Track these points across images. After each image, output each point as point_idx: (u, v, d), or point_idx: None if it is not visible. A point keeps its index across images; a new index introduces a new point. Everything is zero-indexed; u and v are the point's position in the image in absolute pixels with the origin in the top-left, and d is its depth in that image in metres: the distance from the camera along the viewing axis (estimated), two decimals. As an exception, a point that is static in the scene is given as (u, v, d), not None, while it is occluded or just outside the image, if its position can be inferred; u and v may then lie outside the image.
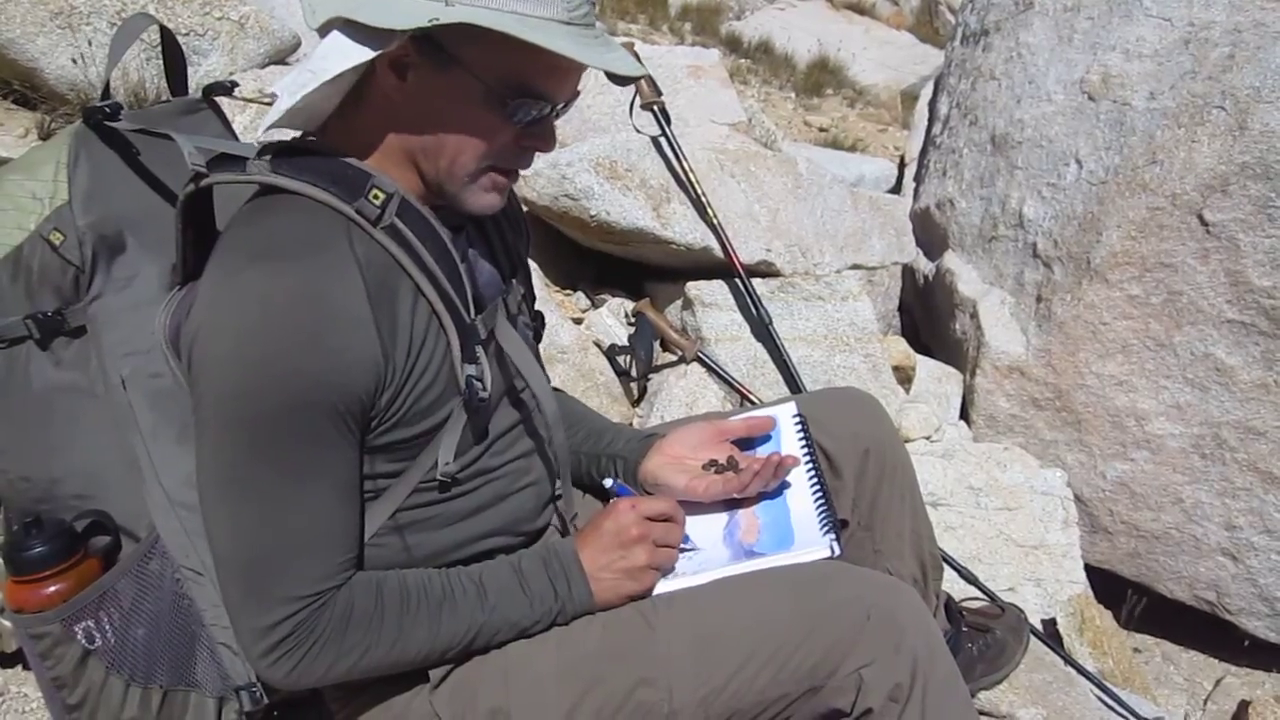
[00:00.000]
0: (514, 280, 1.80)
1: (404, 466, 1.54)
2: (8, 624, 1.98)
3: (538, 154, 1.55)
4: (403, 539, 1.58)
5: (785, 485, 1.82)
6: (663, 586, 1.64)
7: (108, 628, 1.60)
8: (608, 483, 1.88)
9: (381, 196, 1.47)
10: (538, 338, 1.93)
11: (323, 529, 1.43)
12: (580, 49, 1.39)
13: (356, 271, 1.42)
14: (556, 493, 1.80)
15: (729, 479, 1.80)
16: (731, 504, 1.82)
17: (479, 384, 1.52)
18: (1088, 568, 3.73)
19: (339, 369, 1.37)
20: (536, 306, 1.93)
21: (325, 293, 1.38)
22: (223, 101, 1.91)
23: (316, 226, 1.44)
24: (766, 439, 1.94)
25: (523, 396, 1.70)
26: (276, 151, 1.50)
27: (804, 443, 1.88)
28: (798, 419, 1.93)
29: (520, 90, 1.44)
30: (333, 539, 1.44)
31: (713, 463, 1.85)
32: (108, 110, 1.67)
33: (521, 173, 1.61)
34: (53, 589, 1.55)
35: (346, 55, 1.43)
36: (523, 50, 1.38)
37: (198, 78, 3.48)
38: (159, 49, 1.92)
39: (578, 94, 1.55)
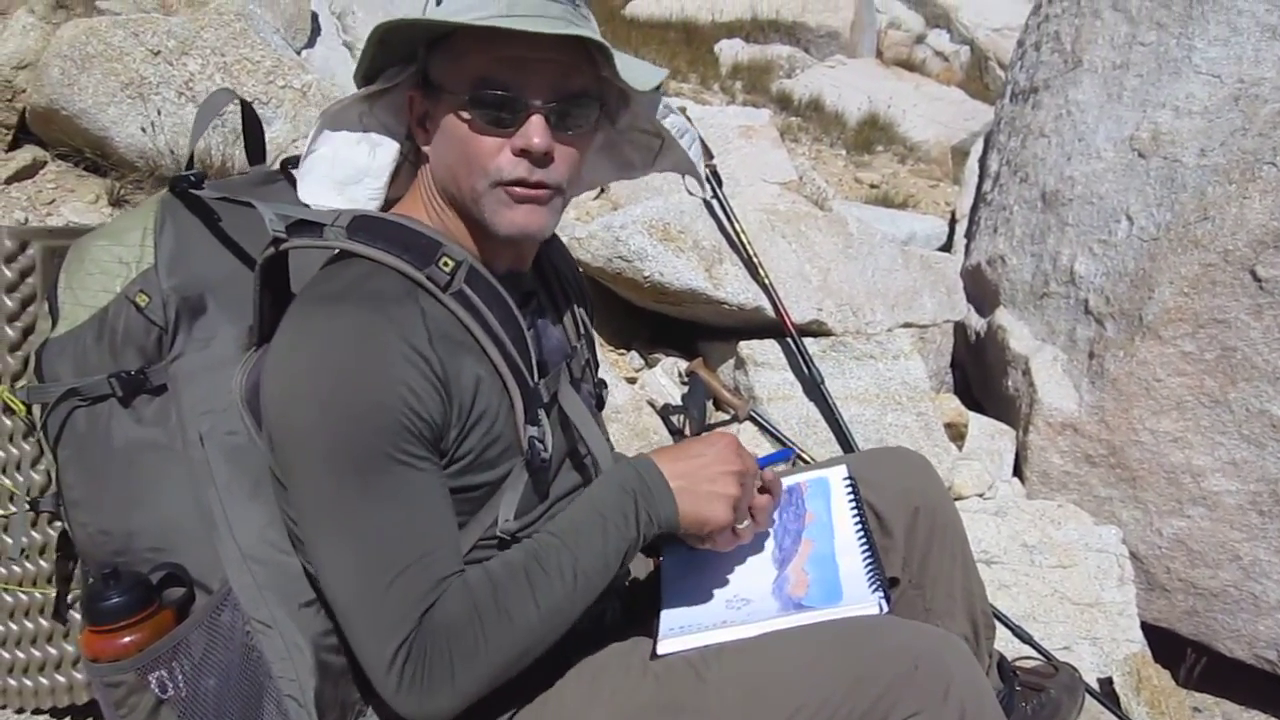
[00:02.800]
0: (579, 346, 1.86)
1: (464, 520, 1.57)
2: (81, 676, 2.03)
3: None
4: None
5: (832, 543, 1.84)
6: (713, 637, 1.66)
7: (180, 678, 1.63)
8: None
9: (451, 264, 1.54)
10: (600, 404, 1.97)
11: (419, 548, 1.45)
12: (508, 21, 1.45)
13: (421, 322, 1.49)
14: None
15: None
16: (781, 560, 1.84)
17: (540, 445, 1.57)
18: (1145, 626, 3.69)
19: (406, 394, 1.44)
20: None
21: (389, 331, 1.46)
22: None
23: (387, 284, 1.51)
24: (815, 496, 1.96)
25: (585, 460, 1.74)
26: (352, 219, 1.58)
27: (854, 504, 1.90)
28: (848, 482, 1.95)
29: (479, 85, 1.51)
30: (430, 556, 1.46)
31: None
32: (192, 179, 1.75)
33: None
34: (128, 639, 1.58)
35: (350, 107, 1.68)
36: (475, 50, 1.50)
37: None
38: (225, 119, 2.00)
39: (578, 96, 1.57)
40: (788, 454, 1.91)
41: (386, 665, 1.42)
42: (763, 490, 1.77)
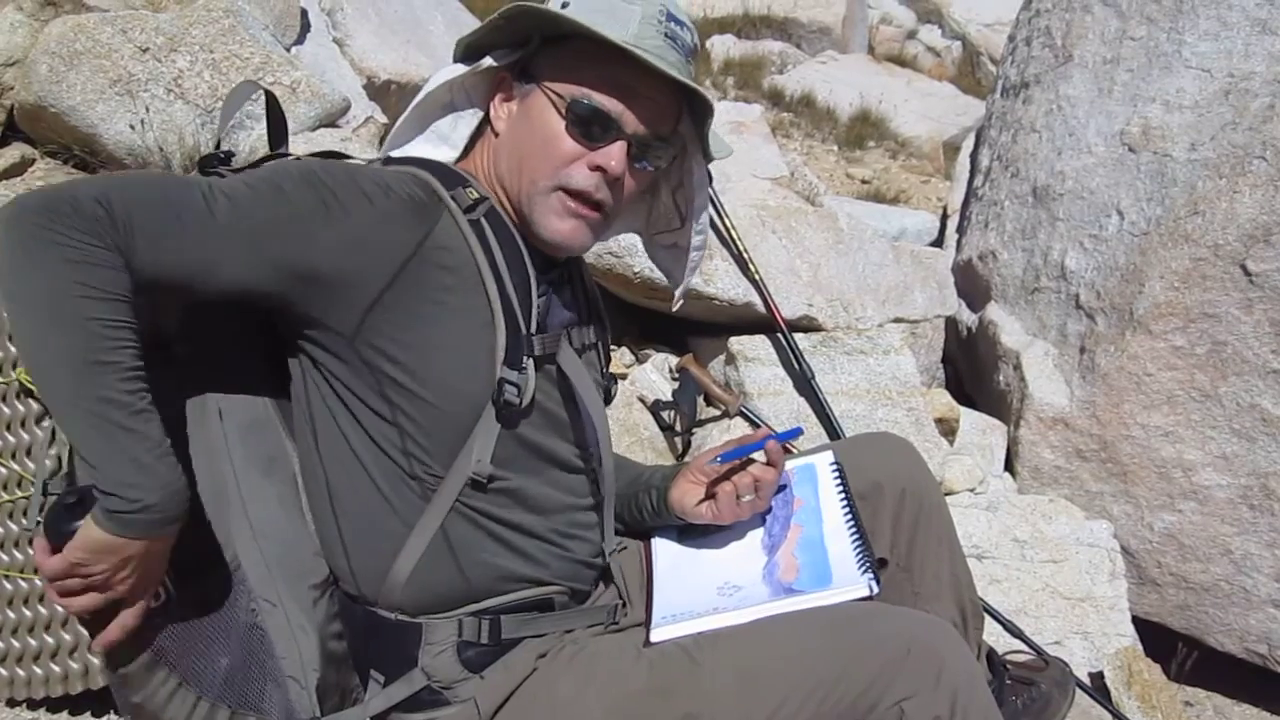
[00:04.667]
0: (589, 327, 1.90)
1: (439, 449, 1.61)
2: (97, 660, 2.02)
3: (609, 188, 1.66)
4: (454, 558, 1.62)
5: (821, 527, 1.85)
6: (706, 624, 1.66)
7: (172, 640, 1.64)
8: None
9: (476, 195, 1.63)
10: (608, 399, 2.00)
11: (170, 198, 1.40)
12: (638, 52, 1.55)
13: (433, 215, 1.57)
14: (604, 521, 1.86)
15: (726, 495, 1.85)
16: (771, 546, 1.85)
17: (513, 389, 1.59)
18: (1136, 620, 3.70)
19: (363, 212, 1.50)
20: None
21: (392, 190, 1.55)
22: None
23: (420, 183, 1.61)
24: (802, 482, 1.97)
25: (582, 424, 1.77)
26: (388, 158, 1.71)
27: (840, 488, 1.92)
28: (834, 466, 1.97)
29: (585, 99, 1.60)
30: (170, 214, 1.39)
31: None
32: (222, 156, 1.78)
33: None
34: None
35: (450, 71, 1.72)
36: (591, 64, 1.59)
37: (251, 141, 3.57)
38: (213, 115, 2.00)
39: (663, 139, 1.69)
40: (798, 431, 1.92)
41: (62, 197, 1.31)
42: (768, 465, 1.81)
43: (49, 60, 3.51)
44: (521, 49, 1.70)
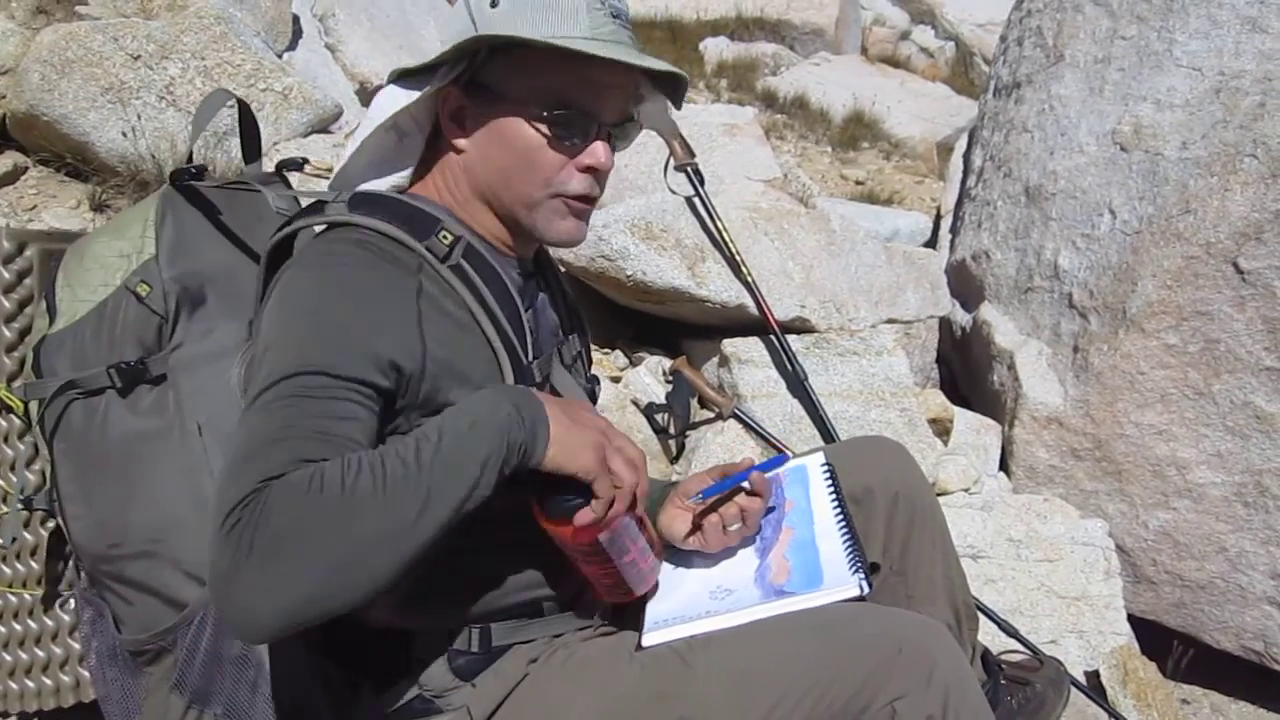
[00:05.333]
0: (573, 335, 1.89)
1: None
2: (68, 678, 2.03)
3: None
4: (445, 570, 1.60)
5: (813, 528, 1.85)
6: (698, 627, 1.66)
7: (181, 655, 1.67)
8: None
9: (450, 238, 1.59)
10: (593, 399, 1.99)
11: (305, 430, 1.33)
12: (602, 48, 1.51)
13: (414, 279, 1.53)
14: None
15: (713, 526, 1.83)
16: (762, 549, 1.85)
17: None
18: (1132, 619, 3.71)
19: (377, 332, 1.45)
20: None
21: (377, 281, 1.49)
22: (293, 176, 2.02)
23: (386, 245, 1.55)
24: (793, 484, 1.97)
25: None
26: (353, 195, 1.63)
27: (831, 488, 1.91)
28: (826, 468, 1.96)
29: (559, 106, 1.57)
30: (313, 440, 1.33)
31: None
32: (194, 171, 1.77)
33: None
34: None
35: (395, 100, 1.62)
36: (555, 68, 1.54)
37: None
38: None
39: (632, 119, 1.67)
40: (783, 459, 1.91)
41: (219, 523, 1.24)
42: (753, 494, 1.79)
43: (41, 68, 3.51)
44: (466, 61, 1.62)
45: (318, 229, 1.62)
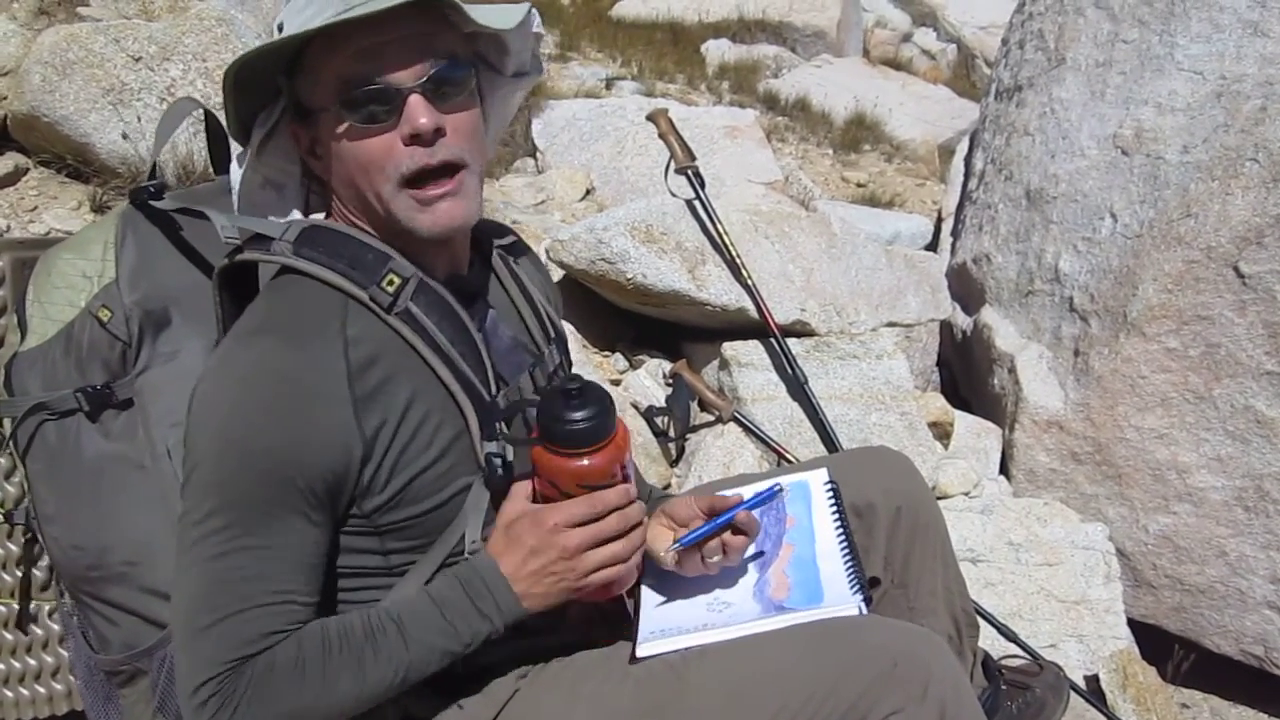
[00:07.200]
0: (551, 349, 1.82)
1: (424, 543, 1.56)
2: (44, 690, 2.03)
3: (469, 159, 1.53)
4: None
5: (813, 545, 1.84)
6: (694, 640, 1.65)
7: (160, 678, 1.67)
8: None
9: (397, 282, 1.51)
10: None
11: (259, 598, 1.40)
12: (349, 12, 1.40)
13: (341, 354, 1.46)
14: None
15: (692, 560, 1.77)
16: (763, 563, 1.84)
17: (498, 461, 1.54)
18: (1132, 623, 3.70)
19: (302, 446, 1.42)
20: (575, 371, 1.94)
21: (301, 375, 1.44)
22: None
23: (314, 308, 1.50)
24: (795, 500, 1.96)
25: None
26: (302, 231, 1.55)
27: (834, 507, 1.90)
28: (829, 485, 1.94)
29: (348, 89, 1.46)
30: (269, 610, 1.41)
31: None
32: (152, 190, 1.74)
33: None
34: (587, 463, 1.50)
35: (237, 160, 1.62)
36: (329, 57, 1.46)
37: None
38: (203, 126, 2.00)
39: (446, 57, 1.50)
40: (773, 493, 1.88)
41: (190, 696, 1.38)
42: (739, 531, 1.73)
43: (42, 70, 3.51)
44: (279, 99, 1.56)
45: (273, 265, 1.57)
